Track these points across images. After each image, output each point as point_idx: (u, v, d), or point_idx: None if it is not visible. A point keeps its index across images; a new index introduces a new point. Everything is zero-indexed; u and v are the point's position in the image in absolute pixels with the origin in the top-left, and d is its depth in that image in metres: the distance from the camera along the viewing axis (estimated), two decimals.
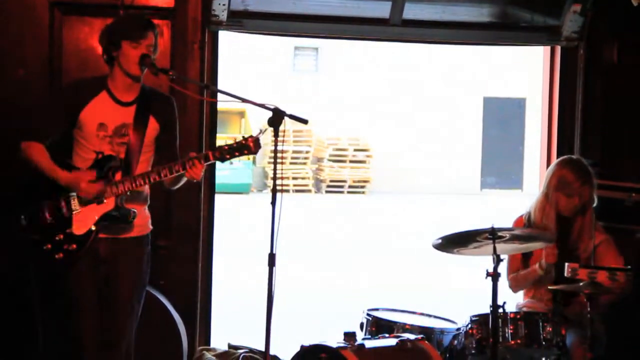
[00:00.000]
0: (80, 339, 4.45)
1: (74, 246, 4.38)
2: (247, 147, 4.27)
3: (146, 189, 4.57)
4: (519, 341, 4.63)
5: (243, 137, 4.31)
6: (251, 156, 21.51)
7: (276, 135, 4.14)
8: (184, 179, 4.48)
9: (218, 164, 4.80)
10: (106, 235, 4.45)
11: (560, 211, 5.07)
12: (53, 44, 5.59)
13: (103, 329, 4.47)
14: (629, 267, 4.71)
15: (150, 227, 4.66)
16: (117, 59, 4.41)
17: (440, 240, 4.73)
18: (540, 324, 4.64)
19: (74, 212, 4.39)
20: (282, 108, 4.18)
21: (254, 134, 4.30)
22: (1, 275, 5.45)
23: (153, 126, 4.52)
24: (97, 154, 4.43)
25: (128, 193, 4.40)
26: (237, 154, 4.30)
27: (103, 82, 4.49)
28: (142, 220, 4.57)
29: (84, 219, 4.39)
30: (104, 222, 4.40)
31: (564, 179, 5.05)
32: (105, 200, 4.38)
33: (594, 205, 5.11)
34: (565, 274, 4.59)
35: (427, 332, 4.82)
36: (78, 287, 4.45)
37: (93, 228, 4.39)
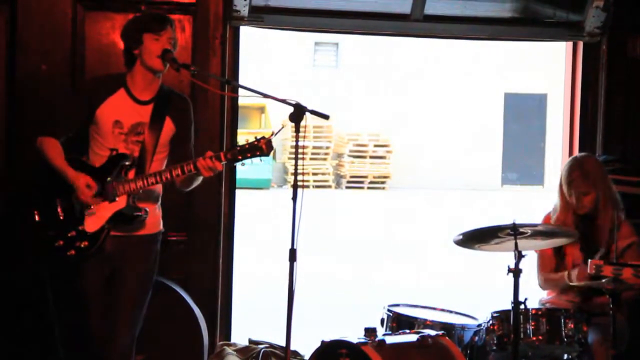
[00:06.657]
0: (88, 335, 4.43)
1: (86, 243, 4.35)
2: (259, 148, 4.23)
3: (158, 188, 4.51)
4: (540, 337, 4.62)
5: (255, 138, 4.25)
6: (270, 152, 21.77)
7: (297, 130, 4.13)
8: (198, 180, 4.44)
9: None
10: (117, 233, 4.41)
11: (577, 210, 5.03)
12: (75, 39, 5.61)
13: (105, 322, 4.44)
14: None
15: (161, 226, 4.61)
16: (140, 55, 4.38)
17: (461, 237, 4.73)
18: (562, 320, 4.62)
19: (86, 210, 4.36)
20: (303, 103, 4.18)
21: (266, 135, 4.24)
22: (15, 273, 5.47)
23: (169, 127, 4.49)
24: (111, 151, 4.40)
25: (140, 191, 4.36)
26: (248, 155, 4.24)
27: (121, 80, 4.46)
28: (153, 219, 4.52)
29: (96, 217, 4.36)
30: (116, 220, 4.37)
31: (570, 177, 5.02)
32: (117, 199, 4.35)
33: (619, 203, 5.06)
34: (588, 271, 4.53)
35: (448, 328, 4.81)
36: (85, 283, 4.43)
37: (105, 226, 4.36)
